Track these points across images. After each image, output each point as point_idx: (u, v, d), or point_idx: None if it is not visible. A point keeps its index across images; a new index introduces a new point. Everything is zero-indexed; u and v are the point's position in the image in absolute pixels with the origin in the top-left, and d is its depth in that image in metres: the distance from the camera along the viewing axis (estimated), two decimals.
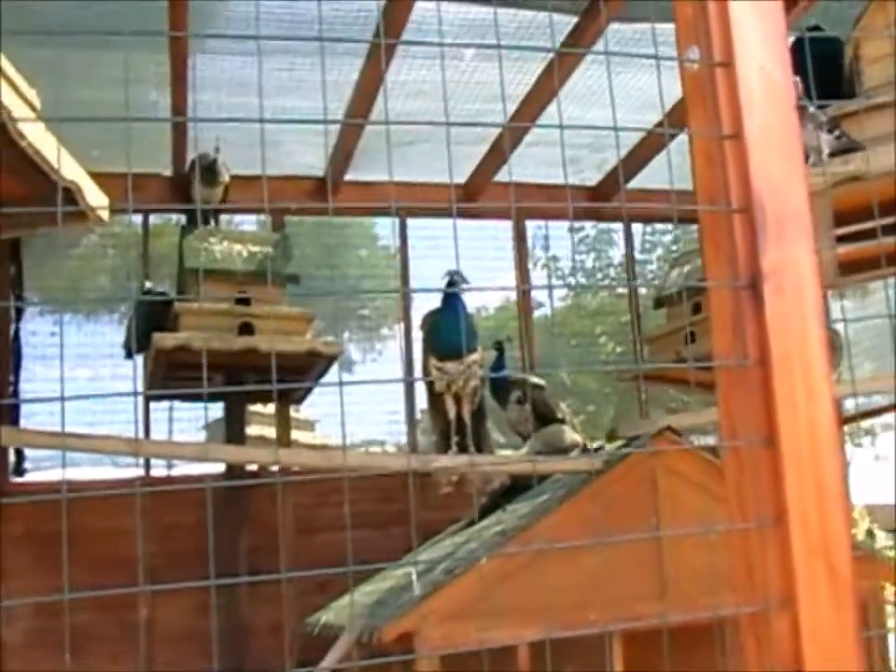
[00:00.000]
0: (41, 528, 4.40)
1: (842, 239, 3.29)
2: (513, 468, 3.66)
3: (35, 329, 5.18)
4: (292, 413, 5.25)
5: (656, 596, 3.37)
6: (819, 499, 1.20)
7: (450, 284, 3.77)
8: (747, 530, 1.20)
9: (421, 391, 5.02)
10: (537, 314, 6.24)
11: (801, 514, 1.18)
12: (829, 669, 1.19)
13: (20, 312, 5.10)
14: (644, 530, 3.48)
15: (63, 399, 1.17)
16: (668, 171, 1.21)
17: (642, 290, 6.47)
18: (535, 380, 4.25)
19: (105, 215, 2.77)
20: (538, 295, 6.25)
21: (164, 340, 4.01)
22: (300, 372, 4.38)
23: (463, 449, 3.79)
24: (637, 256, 7.10)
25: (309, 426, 6.10)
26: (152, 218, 5.35)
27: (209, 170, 4.49)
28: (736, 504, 1.20)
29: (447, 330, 3.71)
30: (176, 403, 4.85)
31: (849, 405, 6.42)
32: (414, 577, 3.35)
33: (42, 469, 4.95)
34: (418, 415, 5.58)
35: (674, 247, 7.51)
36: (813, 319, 1.15)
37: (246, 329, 4.16)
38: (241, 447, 3.97)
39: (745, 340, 1.14)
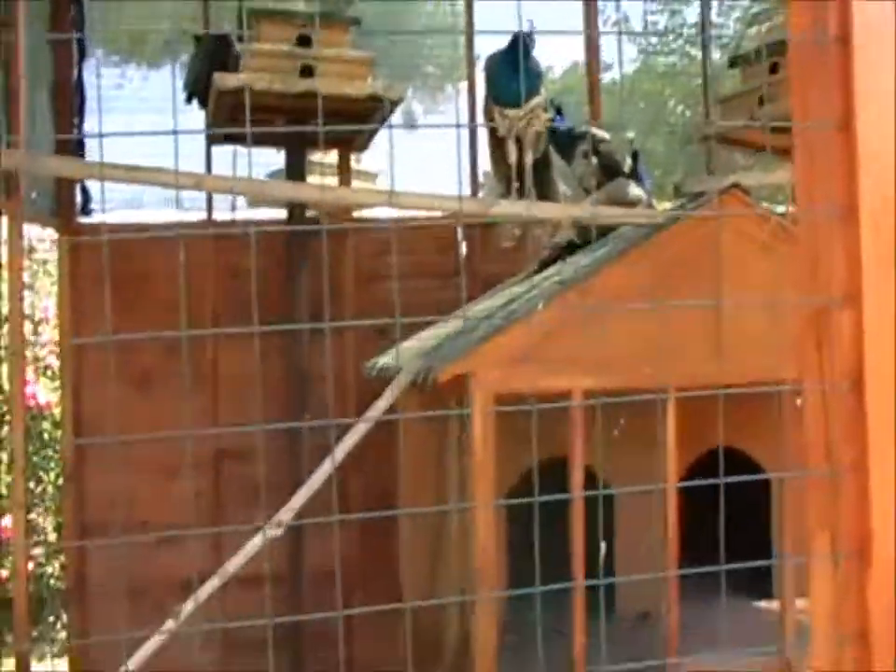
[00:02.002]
0: (112, 268, 4.49)
1: None
2: (573, 213, 3.61)
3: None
4: (353, 164, 5.21)
5: (712, 358, 3.35)
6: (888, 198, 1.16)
7: (514, 42, 3.62)
8: (815, 225, 1.17)
9: (484, 148, 4.92)
10: (605, 77, 6.02)
11: (871, 211, 1.15)
12: (889, 372, 1.18)
13: (82, 54, 5.03)
14: (706, 291, 3.44)
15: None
16: None
17: (716, 54, 6.19)
18: (601, 133, 4.15)
19: None
20: (606, 57, 6.01)
21: (225, 80, 3.95)
22: (361, 119, 4.31)
23: (523, 196, 3.75)
24: (714, 19, 6.76)
25: (370, 177, 6.06)
26: None
27: None
28: (805, 196, 1.16)
29: (507, 76, 3.61)
30: (238, 148, 4.82)
31: None
32: None
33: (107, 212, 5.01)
34: (481, 178, 5.51)
35: (753, 9, 7.13)
36: None
37: (307, 72, 4.07)
38: (298, 184, 3.95)
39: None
